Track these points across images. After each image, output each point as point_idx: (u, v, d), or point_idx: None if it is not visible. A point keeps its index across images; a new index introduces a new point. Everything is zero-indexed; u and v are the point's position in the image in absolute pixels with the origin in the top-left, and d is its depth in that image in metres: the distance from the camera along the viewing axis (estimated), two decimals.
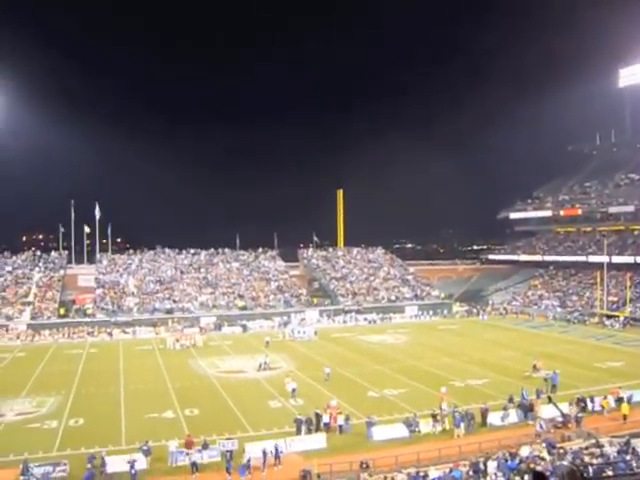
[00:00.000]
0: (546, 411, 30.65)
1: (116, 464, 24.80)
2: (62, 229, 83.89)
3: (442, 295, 77.09)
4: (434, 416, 29.28)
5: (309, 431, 28.53)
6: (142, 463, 25.14)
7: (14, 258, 76.62)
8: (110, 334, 59.74)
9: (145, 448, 25.61)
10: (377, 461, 24.30)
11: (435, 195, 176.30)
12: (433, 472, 22.21)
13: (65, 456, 25.71)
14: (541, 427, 27.94)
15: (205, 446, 26.10)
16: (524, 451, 23.88)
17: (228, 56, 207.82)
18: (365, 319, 68.21)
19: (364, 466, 23.85)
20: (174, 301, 68.25)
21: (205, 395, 36.11)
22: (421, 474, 21.74)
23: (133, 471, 23.82)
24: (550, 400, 31.69)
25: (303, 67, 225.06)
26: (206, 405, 33.72)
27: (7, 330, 59.42)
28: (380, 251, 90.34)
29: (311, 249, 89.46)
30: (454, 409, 29.96)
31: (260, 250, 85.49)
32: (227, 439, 26.28)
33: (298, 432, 28.28)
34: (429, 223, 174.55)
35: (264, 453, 24.74)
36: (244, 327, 63.05)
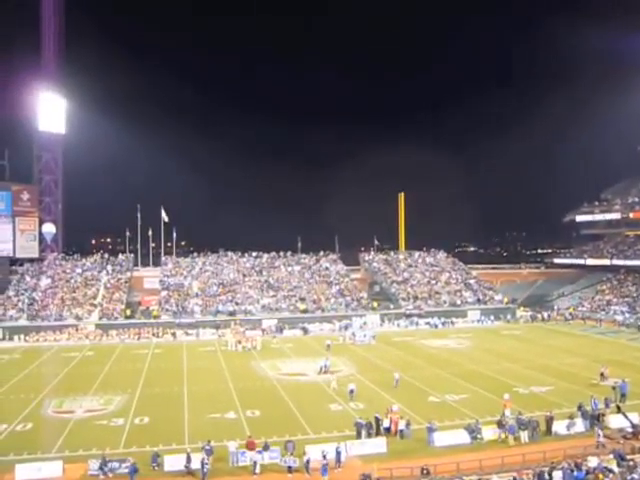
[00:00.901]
0: (615, 421, 29.61)
1: (175, 462, 25.34)
2: (129, 233, 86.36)
3: (505, 300, 75.57)
4: (499, 423, 28.69)
5: (369, 435, 28.41)
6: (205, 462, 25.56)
7: (84, 261, 79.30)
8: (174, 335, 61.04)
9: (207, 448, 25.99)
10: (438, 467, 23.98)
11: (499, 198, 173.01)
12: None
13: (130, 453, 26.36)
14: (599, 436, 26.98)
15: (266, 447, 26.32)
16: (592, 462, 23.10)
17: (291, 54, 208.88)
18: (427, 323, 67.51)
19: (425, 472, 23.59)
20: (236, 303, 69.17)
21: (266, 397, 36.41)
22: None
23: (205, 469, 24.34)
24: (619, 410, 30.60)
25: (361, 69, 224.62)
26: (267, 407, 34.00)
27: (77, 330, 61.48)
28: (442, 254, 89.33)
29: (372, 252, 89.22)
30: (518, 416, 29.28)
31: (321, 253, 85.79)
32: (287, 441, 26.47)
33: (358, 436, 28.20)
34: (492, 226, 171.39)
35: (324, 455, 24.77)
36: (305, 330, 63.35)
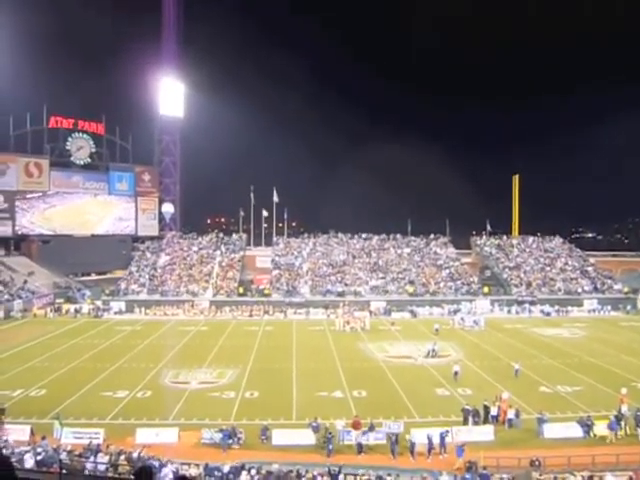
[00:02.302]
0: None
1: (284, 437, 26.08)
2: (242, 213, 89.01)
3: (625, 289, 71.52)
4: (617, 418, 27.39)
5: (476, 422, 27.98)
6: (310, 439, 26.15)
7: (200, 239, 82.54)
8: (284, 313, 62.46)
9: (314, 425, 26.56)
10: (548, 460, 23.28)
11: (621, 182, 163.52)
12: (610, 478, 20.83)
13: (241, 425, 27.38)
14: None
15: (371, 428, 26.54)
16: None
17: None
18: (540, 311, 65.22)
19: (535, 464, 22.97)
20: (345, 284, 69.74)
21: (373, 378, 36.62)
22: (595, 479, 20.46)
23: (330, 446, 24.88)
24: None
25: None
26: (374, 388, 34.21)
27: (192, 305, 64.27)
28: (558, 240, 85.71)
29: (484, 237, 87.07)
30: (636, 412, 27.83)
31: (432, 236, 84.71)
32: (393, 422, 26.55)
33: (465, 422, 27.85)
34: (612, 212, 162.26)
35: (429, 440, 24.66)
36: (413, 313, 62.99)
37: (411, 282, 70.72)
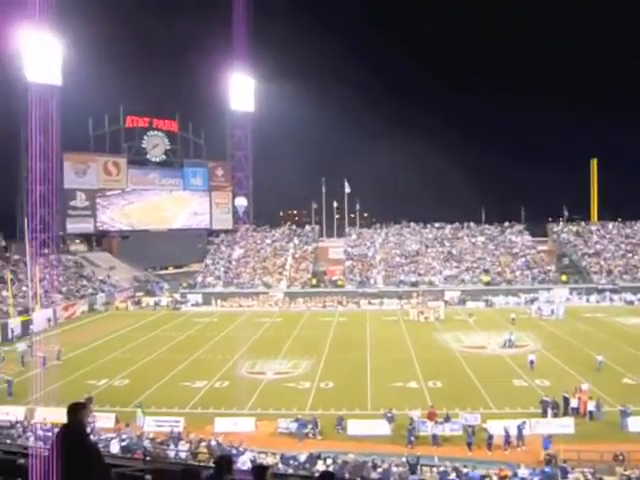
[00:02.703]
0: None
1: (359, 427, 26.23)
2: (314, 205, 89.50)
3: None
4: None
5: (555, 415, 27.30)
6: (386, 429, 26.18)
7: (273, 232, 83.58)
8: (358, 304, 62.58)
9: (389, 415, 26.59)
10: (633, 455, 22.44)
11: None
12: None
13: (316, 415, 27.67)
14: None
15: (447, 419, 26.34)
16: None
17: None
18: (622, 299, 62.81)
19: (620, 458, 22.21)
20: (419, 274, 69.23)
21: (448, 368, 36.27)
22: None
23: (412, 437, 24.98)
24: None
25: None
26: (449, 378, 33.89)
27: (267, 297, 65.24)
28: None
29: (561, 223, 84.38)
30: None
31: (506, 224, 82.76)
32: (470, 413, 26.25)
33: (544, 414, 27.24)
34: None
35: (506, 432, 24.25)
36: (488, 302, 61.91)
37: (486, 271, 69.48)
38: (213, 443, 23.63)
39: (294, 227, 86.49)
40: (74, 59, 74.42)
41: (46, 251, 67.00)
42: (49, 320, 54.05)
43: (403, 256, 74.07)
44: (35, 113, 68.64)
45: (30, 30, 68.24)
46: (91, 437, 6.46)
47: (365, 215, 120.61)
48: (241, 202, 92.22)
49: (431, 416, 26.37)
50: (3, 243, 72.36)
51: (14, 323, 49.38)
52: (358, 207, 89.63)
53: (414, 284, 66.80)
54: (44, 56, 70.66)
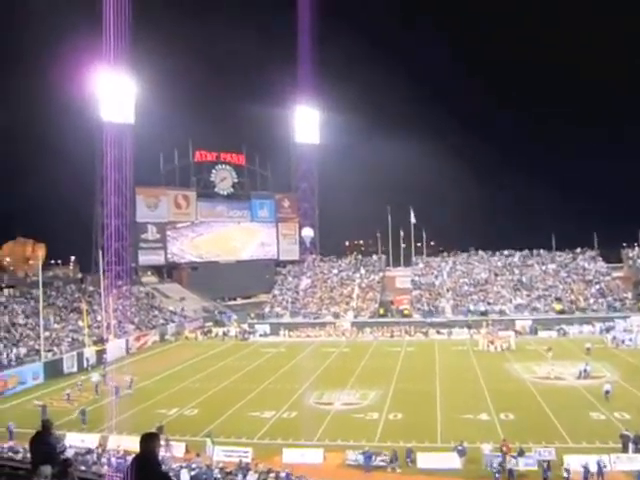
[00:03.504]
0: None
1: (429, 460, 25.61)
2: (379, 234, 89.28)
3: None
4: None
5: (637, 450, 25.92)
6: (456, 463, 25.47)
7: (339, 262, 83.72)
8: (426, 334, 61.61)
9: (460, 448, 25.88)
10: None
11: None
12: None
13: (385, 447, 27.21)
14: None
15: (521, 453, 25.43)
16: None
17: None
18: None
19: None
20: (488, 303, 67.77)
21: (521, 400, 35.13)
22: None
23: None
24: None
25: None
26: (522, 410, 32.79)
27: (334, 327, 65.06)
28: None
29: (637, 248, 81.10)
30: None
31: (578, 250, 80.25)
32: (544, 447, 25.27)
33: (624, 449, 25.90)
34: None
35: (585, 468, 23.19)
36: (562, 331, 59.87)
37: (558, 299, 67.36)
38: (282, 475, 23.52)
39: (360, 257, 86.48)
40: (145, 97, 77.72)
41: (119, 283, 69.12)
42: (122, 350, 55.60)
43: (472, 285, 72.77)
44: (110, 151, 71.77)
45: (105, 72, 71.43)
46: (162, 466, 6.54)
47: (432, 243, 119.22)
48: (307, 233, 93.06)
49: (504, 449, 25.49)
50: (79, 275, 75.29)
51: (89, 352, 50.88)
52: (424, 236, 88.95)
53: (483, 313, 65.40)
54: (118, 96, 73.95)
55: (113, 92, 73.29)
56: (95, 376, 43.20)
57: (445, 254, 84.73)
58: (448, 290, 71.98)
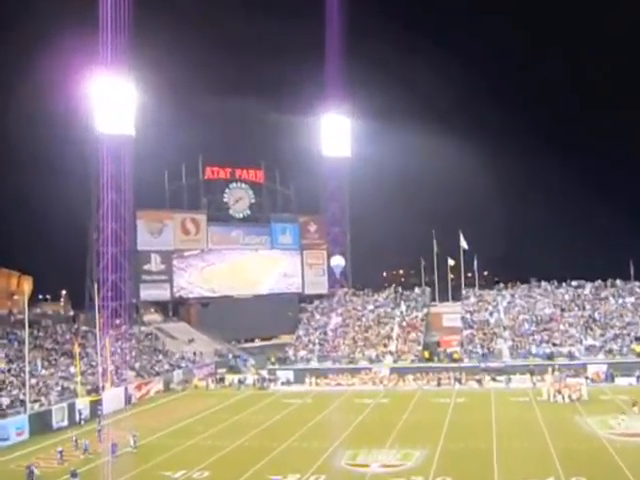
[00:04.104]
0: None
1: None
2: (424, 263, 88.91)
3: None
4: None
5: None
6: None
7: (375, 296, 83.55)
8: (479, 382, 60.88)
9: None
10: None
11: None
12: None
13: None
14: None
15: None
16: None
17: None
18: None
19: None
20: (554, 344, 66.90)
21: (595, 462, 34.33)
22: None
23: None
24: None
25: None
26: (597, 474, 32.01)
27: (370, 374, 64.59)
28: None
29: None
30: None
31: None
32: None
33: None
34: None
35: None
36: None
37: (638, 339, 66.30)
38: None
39: (400, 290, 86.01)
40: (148, 105, 78.71)
41: (117, 322, 69.98)
42: (121, 400, 55.83)
43: (534, 322, 71.94)
44: (106, 167, 73.05)
45: (101, 76, 72.83)
46: None
47: (485, 274, 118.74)
48: (338, 262, 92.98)
49: None
50: (71, 312, 76.11)
51: (82, 403, 51.04)
52: (476, 264, 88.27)
53: (549, 357, 64.56)
54: (116, 104, 75.09)
55: (110, 99, 74.58)
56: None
57: (501, 286, 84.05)
58: (505, 329, 71.26)
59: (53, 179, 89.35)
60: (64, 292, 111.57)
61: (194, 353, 73.45)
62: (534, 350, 66.17)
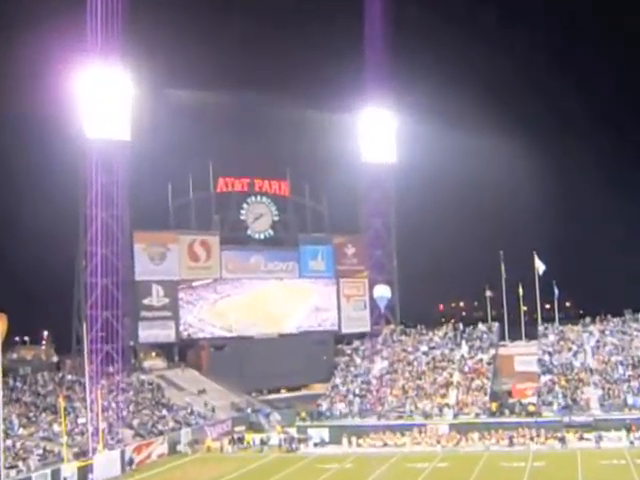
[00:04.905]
0: None
1: None
2: (489, 293, 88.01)
3: None
4: None
5: None
6: None
7: (430, 335, 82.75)
8: (562, 440, 59.91)
9: None
10: None
11: None
12: None
13: None
14: None
15: None
16: None
17: None
18: None
19: None
20: None
21: None
22: None
23: None
24: None
25: None
26: None
27: (424, 431, 63.85)
28: None
29: None
30: None
31: None
32: None
33: None
34: None
35: None
36: None
37: None
38: None
39: (461, 326, 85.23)
40: (147, 103, 79.02)
41: (111, 369, 69.96)
42: (116, 466, 55.66)
43: (630, 365, 70.93)
44: (97, 180, 73.15)
45: (89, 68, 73.26)
46: None
47: (567, 305, 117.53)
48: (382, 292, 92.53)
49: None
50: (54, 358, 76.31)
51: (69, 470, 50.85)
52: (557, 293, 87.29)
53: None
54: (107, 103, 75.43)
55: (101, 96, 75.05)
56: None
57: (588, 320, 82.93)
58: (594, 374, 70.29)
59: (32, 195, 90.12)
60: (46, 333, 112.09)
61: (205, 404, 73.20)
62: (630, 400, 65.13)
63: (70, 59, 72.18)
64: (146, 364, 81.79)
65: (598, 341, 76.53)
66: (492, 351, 77.77)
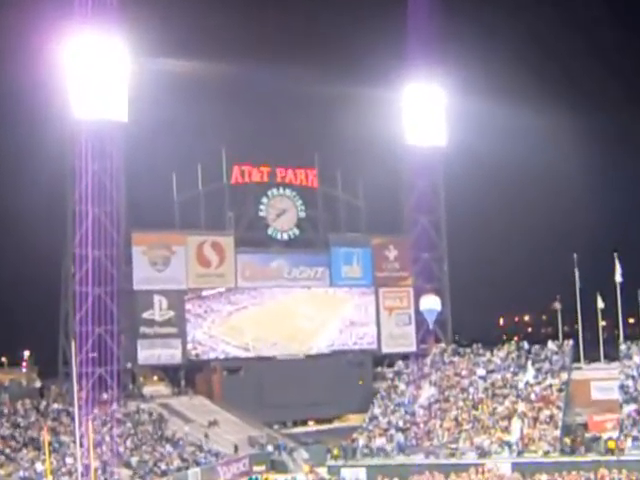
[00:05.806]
0: None
1: None
2: (559, 305, 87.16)
3: None
4: None
5: None
6: None
7: (488, 355, 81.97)
8: None
9: None
10: None
11: None
12: None
13: None
14: None
15: None
16: None
17: None
18: None
19: None
20: None
21: None
22: None
23: None
24: None
25: None
26: None
27: (482, 472, 63.18)
28: None
29: None
30: None
31: None
32: None
33: None
34: None
35: None
36: None
37: None
38: None
39: (526, 345, 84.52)
40: (148, 79, 78.82)
41: (105, 396, 69.88)
42: None
43: None
44: (87, 169, 73.03)
45: (78, 36, 73.22)
46: None
47: None
48: (431, 305, 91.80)
49: None
50: (37, 383, 76.37)
51: None
52: None
53: None
54: (100, 77, 75.43)
55: (92, 69, 75.02)
56: None
57: None
58: None
59: (10, 189, 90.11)
60: (27, 353, 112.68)
61: (205, 436, 72.93)
62: None
63: (55, 26, 72.09)
64: (146, 390, 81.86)
65: None
66: (564, 375, 76.98)
